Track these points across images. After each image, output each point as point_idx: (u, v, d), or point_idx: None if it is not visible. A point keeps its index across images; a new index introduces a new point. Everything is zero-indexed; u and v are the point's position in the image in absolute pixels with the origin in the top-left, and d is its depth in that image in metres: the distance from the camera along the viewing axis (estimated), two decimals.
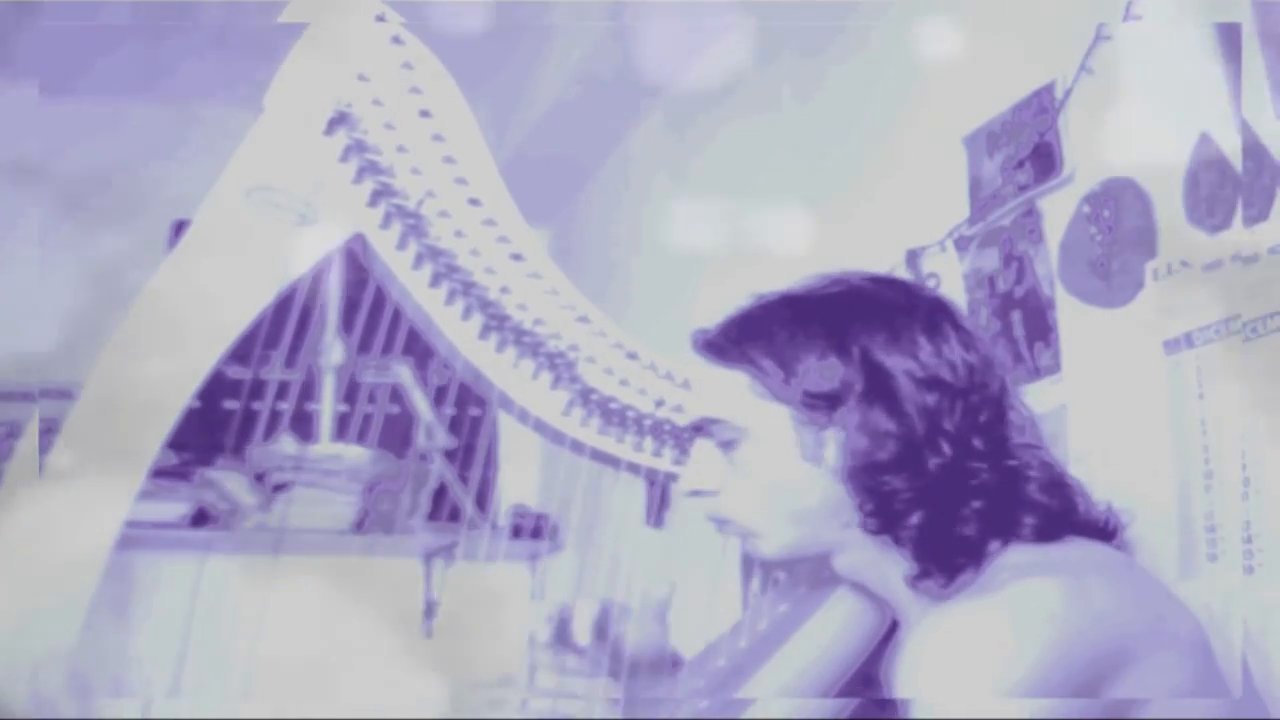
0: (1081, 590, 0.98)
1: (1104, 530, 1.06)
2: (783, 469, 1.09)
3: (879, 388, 1.05)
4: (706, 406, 1.13)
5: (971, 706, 0.92)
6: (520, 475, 2.75)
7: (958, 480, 1.04)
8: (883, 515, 1.06)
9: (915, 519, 1.04)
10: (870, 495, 1.05)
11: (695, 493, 1.13)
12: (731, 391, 1.10)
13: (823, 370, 1.06)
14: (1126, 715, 0.96)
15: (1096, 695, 0.95)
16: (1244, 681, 1.05)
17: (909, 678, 0.96)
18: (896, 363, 1.05)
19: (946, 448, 1.04)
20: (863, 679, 1.17)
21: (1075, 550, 1.03)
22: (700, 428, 1.14)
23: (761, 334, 1.10)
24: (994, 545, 1.02)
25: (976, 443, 1.05)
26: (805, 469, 1.08)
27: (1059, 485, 1.06)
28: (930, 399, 1.04)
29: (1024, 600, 0.97)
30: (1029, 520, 1.03)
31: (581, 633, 1.20)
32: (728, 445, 1.11)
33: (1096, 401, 1.58)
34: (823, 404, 1.06)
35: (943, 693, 0.93)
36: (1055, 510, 1.04)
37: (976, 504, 1.03)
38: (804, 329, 1.08)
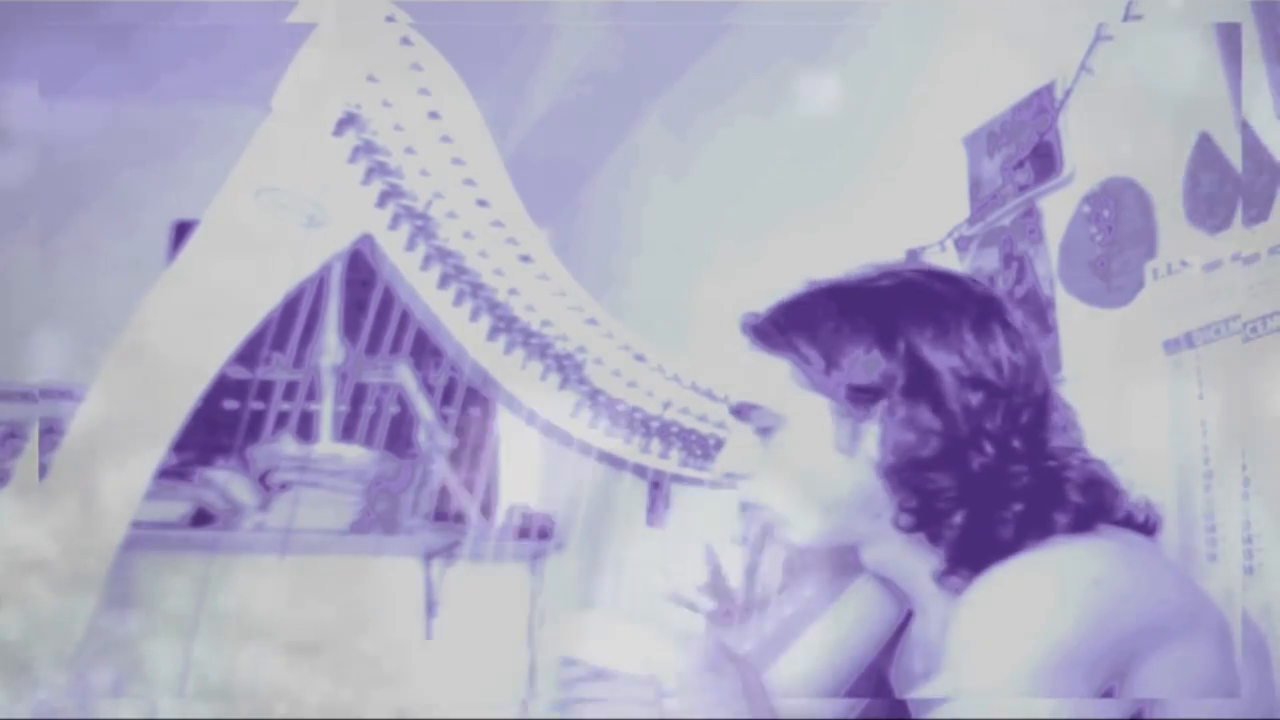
0: (1126, 558, 0.99)
1: (1143, 526, 1.06)
2: (817, 458, 1.08)
3: (922, 384, 1.04)
4: (746, 392, 1.12)
5: (1016, 705, 0.92)
6: (521, 475, 2.75)
7: (999, 481, 1.03)
8: (924, 513, 1.05)
9: (958, 519, 1.04)
10: (913, 492, 1.05)
11: (729, 475, 1.13)
12: (772, 378, 1.09)
13: (866, 363, 1.05)
14: (1148, 715, 0.97)
15: (1133, 672, 0.96)
16: (1245, 680, 1.05)
17: (957, 642, 0.97)
18: (942, 359, 1.04)
19: (989, 448, 1.03)
20: (875, 675, 1.17)
21: (1117, 531, 1.04)
22: (739, 411, 1.13)
23: (808, 323, 1.08)
24: (1028, 545, 1.02)
25: (1017, 444, 1.04)
26: (839, 460, 1.07)
27: (1096, 484, 1.05)
28: (974, 398, 1.03)
29: (1071, 562, 0.98)
30: (1063, 519, 1.02)
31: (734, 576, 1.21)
32: (764, 431, 1.10)
33: (1096, 401, 1.59)
34: (863, 397, 1.05)
35: (986, 660, 0.94)
36: (1091, 509, 1.04)
37: (1017, 507, 1.02)
38: (851, 320, 1.07)
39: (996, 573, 1.00)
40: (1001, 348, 1.06)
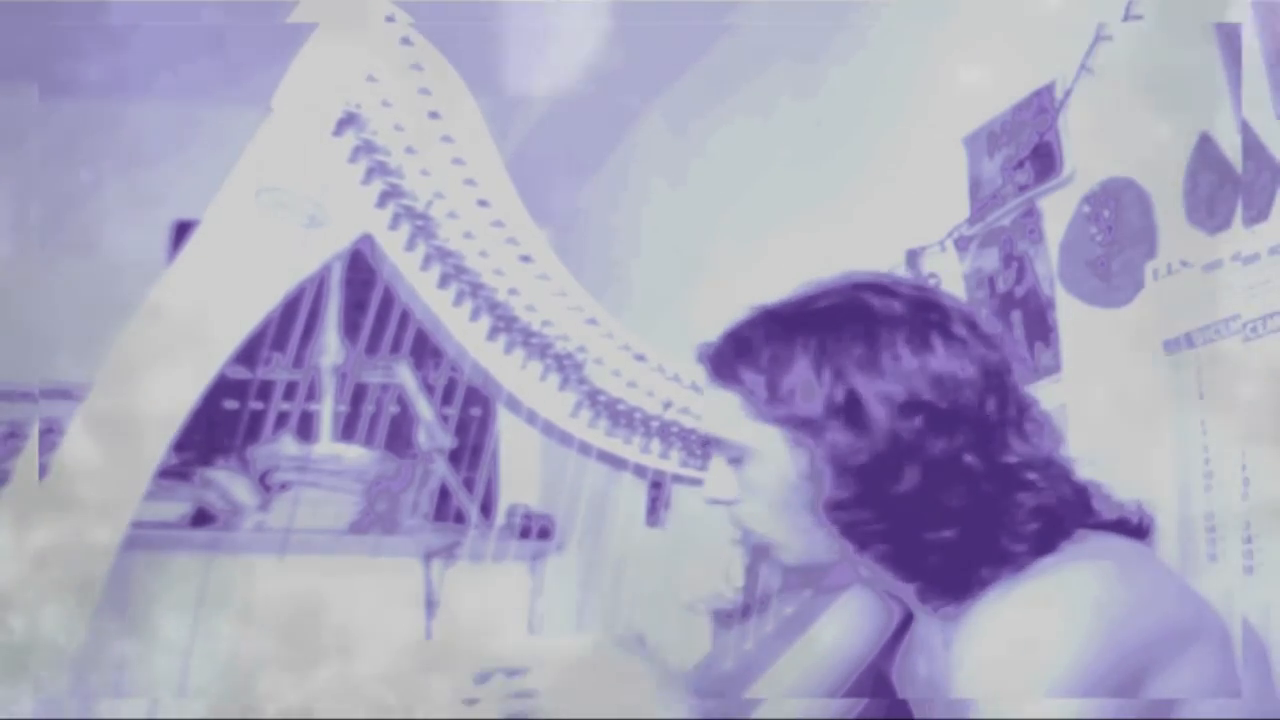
0: (1124, 577, 0.97)
1: (1136, 530, 1.05)
2: (784, 486, 1.05)
3: (855, 411, 0.99)
4: (710, 424, 1.10)
5: (1020, 705, 0.91)
6: (520, 475, 2.75)
7: (931, 508, 0.99)
8: (855, 542, 1.03)
9: (882, 549, 1.01)
10: (839, 526, 1.02)
11: (714, 501, 1.12)
12: (732, 409, 1.07)
13: (804, 391, 1.01)
14: (1164, 715, 0.96)
15: (1140, 688, 0.95)
16: (1246, 681, 1.05)
17: (963, 674, 0.97)
18: (873, 384, 0.99)
19: (917, 475, 0.99)
20: (873, 677, 1.17)
21: (1112, 541, 1.02)
22: (707, 444, 1.12)
23: (748, 351, 1.05)
24: (986, 572, 0.99)
25: (969, 459, 0.99)
26: (806, 487, 1.04)
27: (1076, 492, 1.03)
28: (908, 423, 0.99)
29: (1069, 589, 0.96)
30: (1026, 538, 0.99)
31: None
32: (735, 462, 1.09)
33: (1096, 401, 1.59)
34: (805, 426, 1.01)
35: (995, 689, 0.93)
36: (1072, 517, 1.01)
37: (991, 528, 0.98)
38: (787, 347, 1.03)
39: (995, 604, 0.98)
40: (942, 361, 1.00)
